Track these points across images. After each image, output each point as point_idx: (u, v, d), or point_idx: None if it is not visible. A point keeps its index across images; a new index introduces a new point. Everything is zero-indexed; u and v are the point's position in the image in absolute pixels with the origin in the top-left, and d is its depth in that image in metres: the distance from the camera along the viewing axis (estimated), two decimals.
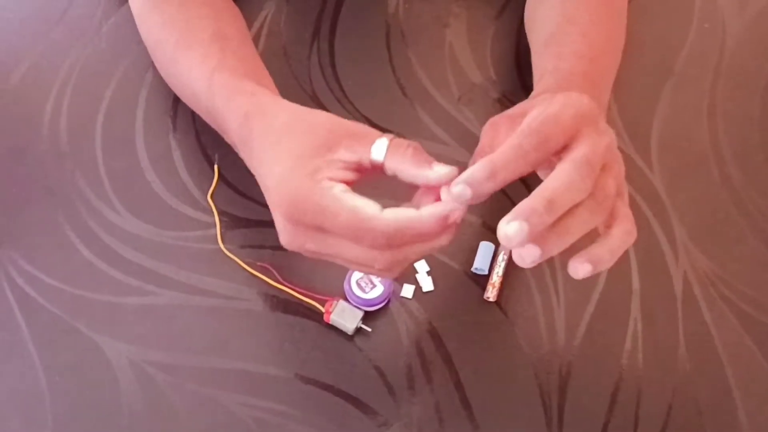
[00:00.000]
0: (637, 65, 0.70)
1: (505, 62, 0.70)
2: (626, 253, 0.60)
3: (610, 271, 0.61)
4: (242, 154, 0.53)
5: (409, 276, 0.61)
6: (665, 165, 0.66)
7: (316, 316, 0.59)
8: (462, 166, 0.44)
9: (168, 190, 0.64)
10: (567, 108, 0.44)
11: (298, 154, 0.46)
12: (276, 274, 0.60)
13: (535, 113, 0.44)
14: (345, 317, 0.58)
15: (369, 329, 0.59)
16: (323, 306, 0.59)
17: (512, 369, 0.58)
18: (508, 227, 0.41)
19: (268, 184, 0.48)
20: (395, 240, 0.44)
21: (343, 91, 0.69)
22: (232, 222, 0.63)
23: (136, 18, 0.65)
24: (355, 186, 0.47)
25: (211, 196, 0.64)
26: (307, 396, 0.57)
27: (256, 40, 0.71)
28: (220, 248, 0.62)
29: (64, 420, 0.56)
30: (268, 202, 0.49)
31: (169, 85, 0.65)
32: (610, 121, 0.66)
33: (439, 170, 0.45)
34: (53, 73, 0.70)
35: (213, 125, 0.59)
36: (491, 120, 0.50)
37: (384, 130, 0.66)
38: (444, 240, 0.46)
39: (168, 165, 0.65)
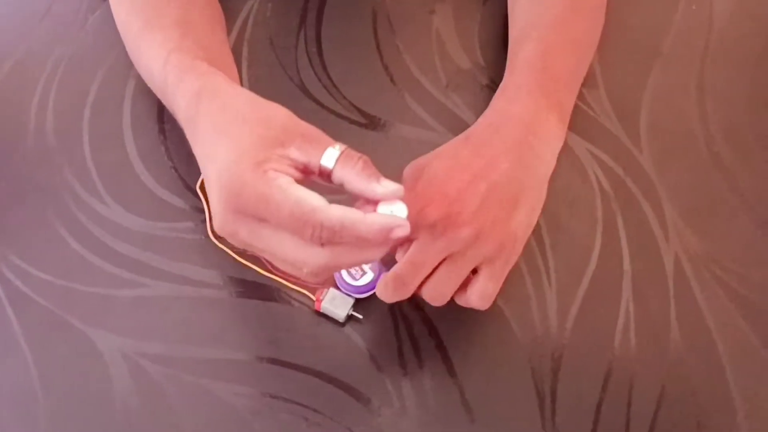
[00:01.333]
0: (625, 46, 0.70)
1: (493, 48, 0.70)
2: (617, 234, 0.61)
3: (602, 252, 0.61)
4: (187, 133, 0.52)
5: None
6: (654, 146, 0.66)
7: (307, 305, 0.59)
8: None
9: (157, 181, 0.64)
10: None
11: (248, 143, 0.46)
12: (266, 263, 0.60)
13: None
14: (336, 305, 0.58)
15: (360, 316, 0.59)
16: (314, 294, 0.59)
17: (504, 353, 0.58)
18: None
19: (209, 167, 0.47)
20: (336, 237, 0.44)
21: (330, 78, 0.69)
22: None
23: (111, 4, 0.65)
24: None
25: (200, 187, 0.64)
26: (300, 384, 0.57)
27: (242, 29, 0.71)
28: (210, 239, 0.62)
29: (57, 414, 0.56)
30: (206, 186, 0.48)
31: (137, 69, 0.64)
32: (597, 103, 0.66)
33: (387, 186, 0.46)
34: (39, 69, 0.70)
35: (168, 108, 0.59)
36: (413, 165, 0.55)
37: (372, 118, 0.67)
38: (378, 253, 0.47)
39: (156, 157, 0.65)
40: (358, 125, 0.66)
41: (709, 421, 0.56)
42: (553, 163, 0.57)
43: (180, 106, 0.53)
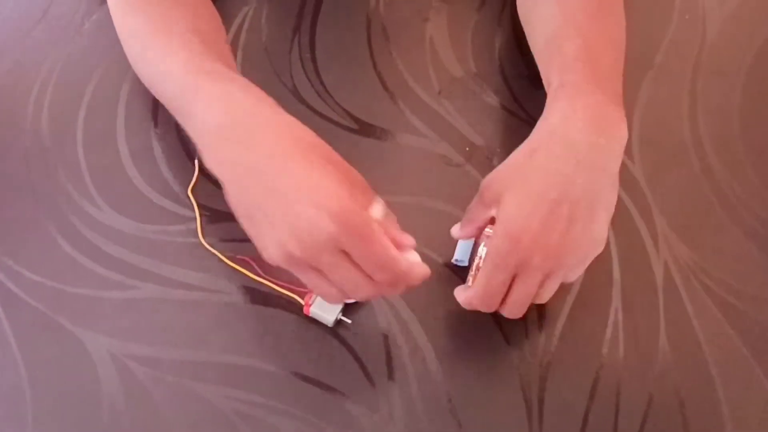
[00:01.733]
0: None
1: (486, 56, 0.71)
2: (607, 243, 0.61)
3: (592, 261, 0.61)
4: (206, 138, 0.52)
5: None
6: (646, 157, 0.66)
7: (297, 309, 0.59)
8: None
9: (149, 185, 0.64)
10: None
11: (339, 182, 0.49)
12: (256, 267, 0.61)
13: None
14: (325, 309, 0.59)
15: (349, 321, 0.59)
16: (303, 298, 0.59)
17: (492, 359, 0.58)
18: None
19: (306, 197, 0.48)
20: (401, 280, 0.50)
21: (323, 85, 0.69)
22: (212, 216, 0.63)
23: (111, 10, 0.65)
24: None
25: (192, 191, 0.64)
26: (288, 388, 0.57)
27: (237, 35, 0.72)
28: (200, 242, 0.62)
29: (45, 414, 0.56)
30: (266, 210, 0.49)
31: (140, 75, 0.64)
32: None
33: (411, 258, 0.52)
34: (35, 71, 0.70)
35: (178, 110, 0.57)
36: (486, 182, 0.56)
37: (365, 124, 0.67)
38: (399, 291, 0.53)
39: (149, 160, 0.65)
40: (350, 131, 0.67)
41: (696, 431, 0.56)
42: (621, 153, 0.55)
43: (203, 110, 0.53)
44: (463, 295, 0.56)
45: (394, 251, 0.49)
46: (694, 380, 0.58)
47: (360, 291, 0.50)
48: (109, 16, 0.66)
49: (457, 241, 0.61)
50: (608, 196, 0.54)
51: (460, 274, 0.61)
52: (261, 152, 0.50)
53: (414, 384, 0.57)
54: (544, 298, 0.55)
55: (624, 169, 0.65)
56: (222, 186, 0.51)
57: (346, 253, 0.48)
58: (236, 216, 0.51)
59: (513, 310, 0.55)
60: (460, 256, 0.61)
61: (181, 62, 0.56)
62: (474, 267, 0.60)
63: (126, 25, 0.63)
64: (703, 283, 0.61)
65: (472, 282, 0.59)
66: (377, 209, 0.51)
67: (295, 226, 0.47)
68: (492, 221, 0.55)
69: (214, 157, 0.51)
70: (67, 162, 0.66)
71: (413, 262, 0.51)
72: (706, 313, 0.60)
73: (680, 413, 0.56)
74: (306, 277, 0.50)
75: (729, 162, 0.66)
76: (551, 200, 0.51)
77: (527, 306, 0.55)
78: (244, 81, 0.54)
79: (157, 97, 0.62)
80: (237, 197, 0.50)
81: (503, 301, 0.55)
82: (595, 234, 0.53)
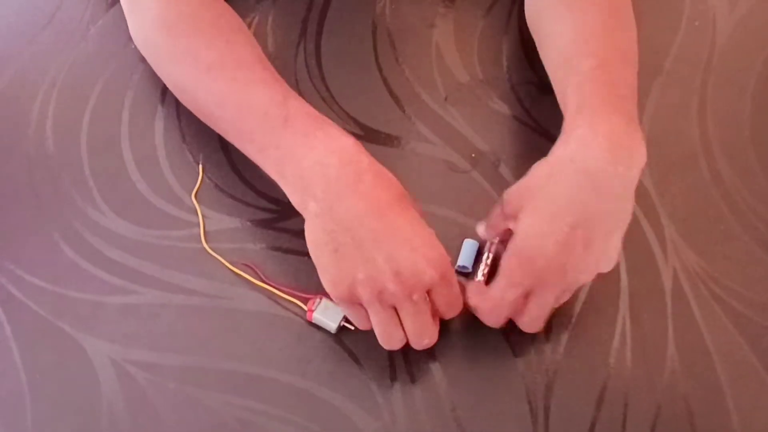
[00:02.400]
0: None
1: (492, 62, 0.70)
2: None
3: None
4: (331, 177, 0.53)
5: None
6: (655, 163, 0.65)
7: (299, 315, 0.59)
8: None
9: (153, 190, 0.64)
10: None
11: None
12: (259, 273, 0.60)
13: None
14: (328, 315, 0.58)
15: (352, 327, 0.58)
16: (306, 304, 0.58)
17: (498, 368, 0.57)
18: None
19: (409, 244, 0.52)
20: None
21: (329, 91, 0.69)
22: (215, 221, 0.63)
23: (145, 42, 0.65)
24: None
25: (195, 196, 0.63)
26: (290, 395, 0.56)
27: None
28: (203, 247, 0.61)
29: (44, 419, 0.56)
30: (395, 253, 0.52)
31: (194, 99, 0.62)
32: None
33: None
34: (40, 76, 0.70)
35: (254, 139, 0.57)
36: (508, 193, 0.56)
37: (371, 130, 0.67)
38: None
39: (153, 165, 0.65)
40: (355, 137, 0.66)
41: None
42: (638, 176, 0.55)
43: (296, 143, 0.55)
44: (474, 298, 0.56)
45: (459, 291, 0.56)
46: (704, 390, 0.57)
47: (425, 333, 0.55)
48: (115, 22, 0.67)
49: (461, 247, 0.61)
50: (624, 217, 0.55)
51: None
52: (369, 197, 0.53)
53: (417, 392, 0.56)
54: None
55: None
56: (306, 216, 0.54)
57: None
58: (314, 246, 0.54)
59: (532, 324, 0.56)
60: (463, 262, 0.60)
61: (267, 96, 0.57)
62: (480, 273, 0.59)
63: (175, 49, 0.62)
64: (712, 291, 0.60)
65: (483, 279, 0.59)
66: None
67: (400, 265, 0.51)
68: (506, 234, 0.56)
69: (309, 192, 0.53)
70: (71, 167, 0.65)
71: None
72: (715, 322, 0.59)
73: (689, 423, 0.55)
74: (378, 316, 0.54)
75: (739, 168, 0.65)
76: (567, 224, 0.52)
77: (545, 320, 0.56)
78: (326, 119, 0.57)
79: (212, 119, 0.61)
80: (327, 230, 0.53)
81: (520, 314, 0.55)
82: (609, 253, 0.54)
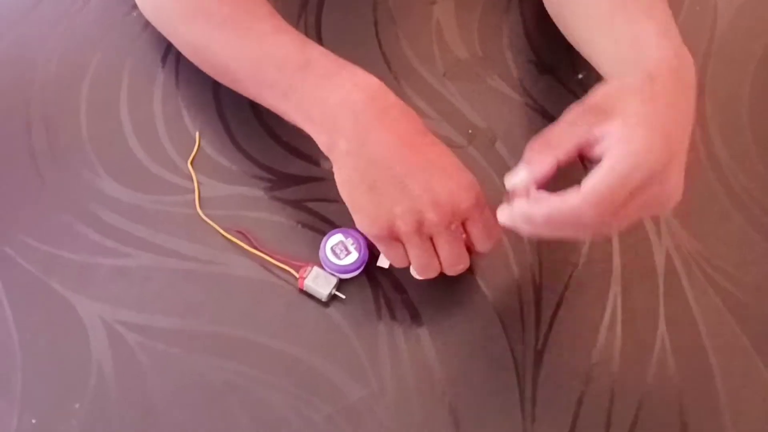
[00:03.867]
0: None
1: (492, 40, 0.70)
2: None
3: (591, 246, 0.60)
4: (360, 113, 0.53)
5: None
6: None
7: (291, 282, 0.59)
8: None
9: (149, 155, 0.64)
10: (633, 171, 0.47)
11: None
12: (252, 240, 0.60)
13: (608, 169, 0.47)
14: (319, 283, 0.58)
15: (343, 296, 0.58)
16: (297, 272, 0.59)
17: (487, 341, 0.57)
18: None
19: (446, 174, 0.53)
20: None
21: None
22: (210, 188, 0.63)
23: (154, 4, 0.65)
24: None
25: (192, 163, 0.64)
26: (279, 361, 0.56)
27: None
28: (197, 213, 0.61)
29: (34, 376, 0.56)
30: (433, 184, 0.52)
31: (196, 51, 0.63)
32: None
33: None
34: (40, 44, 0.70)
35: (278, 86, 0.56)
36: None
37: None
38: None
39: (150, 132, 0.65)
40: None
41: (693, 421, 0.55)
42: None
43: (320, 85, 0.54)
44: (542, 206, 0.49)
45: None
46: (693, 369, 0.56)
47: (460, 260, 0.55)
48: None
49: None
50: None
51: None
52: (398, 130, 0.53)
53: (406, 361, 0.56)
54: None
55: None
56: (336, 157, 0.54)
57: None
58: (347, 186, 0.53)
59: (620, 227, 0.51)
60: None
61: (285, 43, 0.57)
62: None
63: (191, 3, 0.62)
64: (705, 272, 0.60)
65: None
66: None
67: (437, 194, 0.52)
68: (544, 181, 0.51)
69: (338, 130, 0.53)
70: (69, 131, 0.66)
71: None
72: (707, 302, 0.59)
73: (677, 402, 0.55)
74: (417, 249, 0.54)
75: (735, 151, 0.65)
76: (671, 135, 0.48)
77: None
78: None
79: (227, 75, 0.61)
80: (359, 168, 0.52)
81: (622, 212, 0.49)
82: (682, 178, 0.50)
